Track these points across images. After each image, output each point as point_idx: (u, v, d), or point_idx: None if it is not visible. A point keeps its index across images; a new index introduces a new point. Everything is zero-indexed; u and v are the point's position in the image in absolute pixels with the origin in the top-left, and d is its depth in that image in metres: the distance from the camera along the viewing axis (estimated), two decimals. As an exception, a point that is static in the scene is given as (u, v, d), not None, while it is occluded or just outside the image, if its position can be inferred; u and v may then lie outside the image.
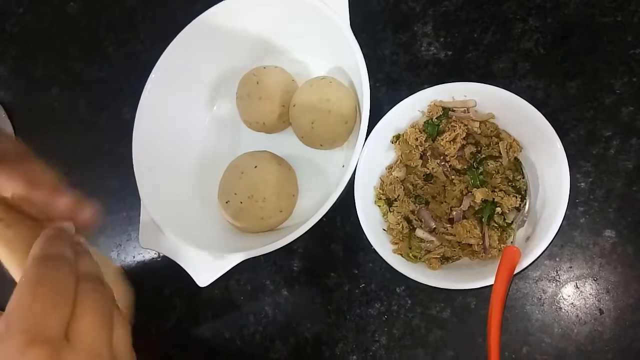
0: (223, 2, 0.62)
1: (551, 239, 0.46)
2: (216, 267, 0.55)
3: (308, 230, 0.54)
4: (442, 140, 0.54)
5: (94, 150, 0.76)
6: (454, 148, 0.53)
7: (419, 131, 0.55)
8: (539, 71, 0.58)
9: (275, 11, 0.62)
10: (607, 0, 0.57)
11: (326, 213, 0.60)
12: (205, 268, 0.56)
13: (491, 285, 0.47)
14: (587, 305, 0.52)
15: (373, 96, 0.55)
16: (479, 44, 0.61)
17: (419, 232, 0.54)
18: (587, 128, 0.55)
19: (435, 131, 0.54)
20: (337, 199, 0.54)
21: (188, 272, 0.56)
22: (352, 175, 0.54)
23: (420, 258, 0.54)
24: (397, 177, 0.55)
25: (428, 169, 0.55)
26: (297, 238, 0.54)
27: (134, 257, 0.70)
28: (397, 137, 0.56)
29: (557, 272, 0.53)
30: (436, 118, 0.54)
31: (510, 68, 0.59)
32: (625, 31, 0.56)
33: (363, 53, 0.56)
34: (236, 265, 0.55)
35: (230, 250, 0.55)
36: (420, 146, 0.55)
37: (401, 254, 0.54)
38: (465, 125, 0.53)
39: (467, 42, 0.62)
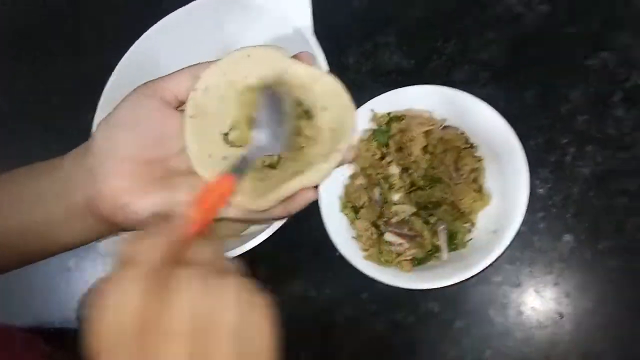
0: (187, 6, 0.61)
1: (508, 243, 0.47)
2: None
3: (274, 237, 0.53)
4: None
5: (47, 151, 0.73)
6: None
7: (368, 141, 0.55)
8: (499, 81, 0.59)
9: (237, 17, 0.62)
10: (563, 12, 0.59)
11: (293, 218, 0.60)
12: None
13: (463, 281, 0.48)
14: (548, 310, 0.53)
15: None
16: (441, 54, 0.62)
17: (388, 236, 0.54)
18: (545, 136, 0.56)
19: (386, 139, 0.55)
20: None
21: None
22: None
23: (391, 262, 0.54)
24: (360, 184, 0.56)
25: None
26: (262, 245, 0.53)
27: (95, 267, 0.67)
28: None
29: (517, 277, 0.54)
30: (385, 124, 0.55)
31: (471, 77, 0.60)
32: (580, 42, 0.58)
33: (327, 61, 0.57)
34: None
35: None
36: (375, 155, 0.55)
37: (373, 260, 0.54)
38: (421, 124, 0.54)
39: (429, 51, 0.63)
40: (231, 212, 0.43)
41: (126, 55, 0.62)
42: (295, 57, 0.45)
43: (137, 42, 0.63)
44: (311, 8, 0.58)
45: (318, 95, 0.44)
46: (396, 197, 0.55)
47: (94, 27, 0.77)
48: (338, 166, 0.45)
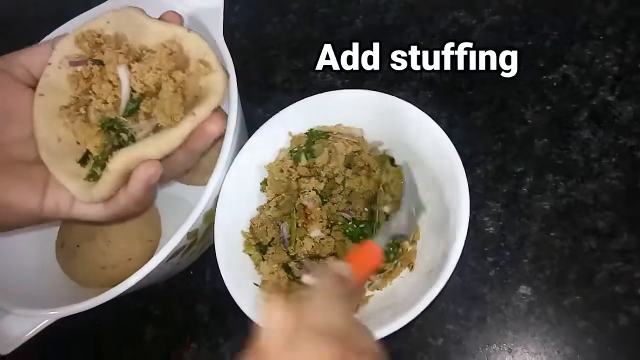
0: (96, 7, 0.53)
1: (442, 285, 0.35)
2: (24, 328, 0.42)
3: (162, 288, 0.42)
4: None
5: None
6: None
7: (282, 161, 0.45)
8: (442, 100, 0.50)
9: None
10: (515, 23, 0.51)
11: (193, 265, 0.49)
12: (10, 331, 0.42)
13: (390, 336, 0.36)
14: (500, 385, 0.40)
15: (260, 127, 0.46)
16: (378, 72, 0.53)
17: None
18: (495, 163, 0.46)
19: (305, 159, 0.45)
20: (202, 248, 0.43)
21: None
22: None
23: None
24: (270, 216, 0.45)
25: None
26: (148, 298, 0.42)
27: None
28: (265, 182, 0.46)
29: (462, 340, 0.42)
30: (304, 145, 0.45)
31: (411, 96, 0.51)
32: (537, 56, 0.49)
33: (253, 80, 0.49)
34: (69, 331, 0.42)
35: (47, 307, 0.42)
36: (292, 176, 0.45)
37: (278, 313, 0.42)
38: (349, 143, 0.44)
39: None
40: (89, 211, 0.38)
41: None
42: (160, 18, 0.40)
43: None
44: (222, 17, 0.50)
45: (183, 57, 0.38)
46: (315, 233, 0.44)
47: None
48: (203, 146, 0.37)
